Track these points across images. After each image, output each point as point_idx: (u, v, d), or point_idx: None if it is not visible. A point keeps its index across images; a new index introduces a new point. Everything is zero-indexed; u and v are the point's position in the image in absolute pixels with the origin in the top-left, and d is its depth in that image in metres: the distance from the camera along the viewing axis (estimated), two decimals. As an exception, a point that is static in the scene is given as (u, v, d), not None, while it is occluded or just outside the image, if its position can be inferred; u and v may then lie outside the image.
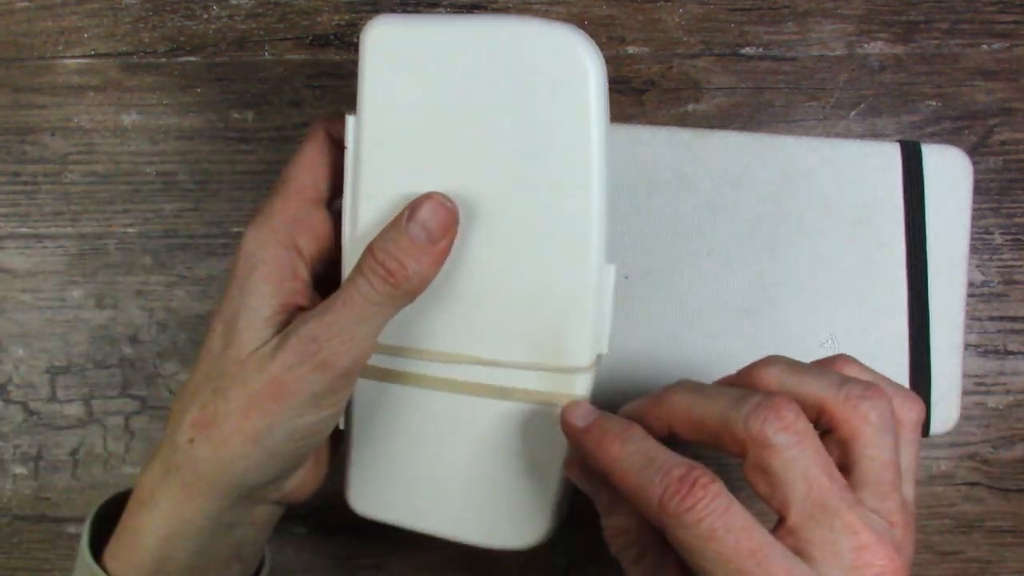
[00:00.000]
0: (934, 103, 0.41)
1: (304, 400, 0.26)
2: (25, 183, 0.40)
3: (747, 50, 0.41)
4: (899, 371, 0.37)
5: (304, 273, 0.28)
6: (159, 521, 0.27)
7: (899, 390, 0.25)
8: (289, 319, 0.27)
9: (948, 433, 0.38)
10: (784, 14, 0.41)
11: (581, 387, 0.28)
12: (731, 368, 0.37)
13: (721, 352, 0.37)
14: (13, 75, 0.41)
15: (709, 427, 0.24)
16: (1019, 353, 0.40)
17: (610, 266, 0.27)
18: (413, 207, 0.26)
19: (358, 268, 0.26)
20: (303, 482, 0.30)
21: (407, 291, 0.26)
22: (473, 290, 0.27)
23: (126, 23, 0.41)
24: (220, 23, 0.41)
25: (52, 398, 0.40)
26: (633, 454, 0.24)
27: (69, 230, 0.40)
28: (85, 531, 0.29)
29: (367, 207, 0.28)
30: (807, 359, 0.38)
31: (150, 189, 0.40)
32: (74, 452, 0.40)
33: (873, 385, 0.24)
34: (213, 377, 0.27)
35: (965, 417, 0.39)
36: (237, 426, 0.26)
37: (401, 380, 0.29)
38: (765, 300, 0.37)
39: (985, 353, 0.40)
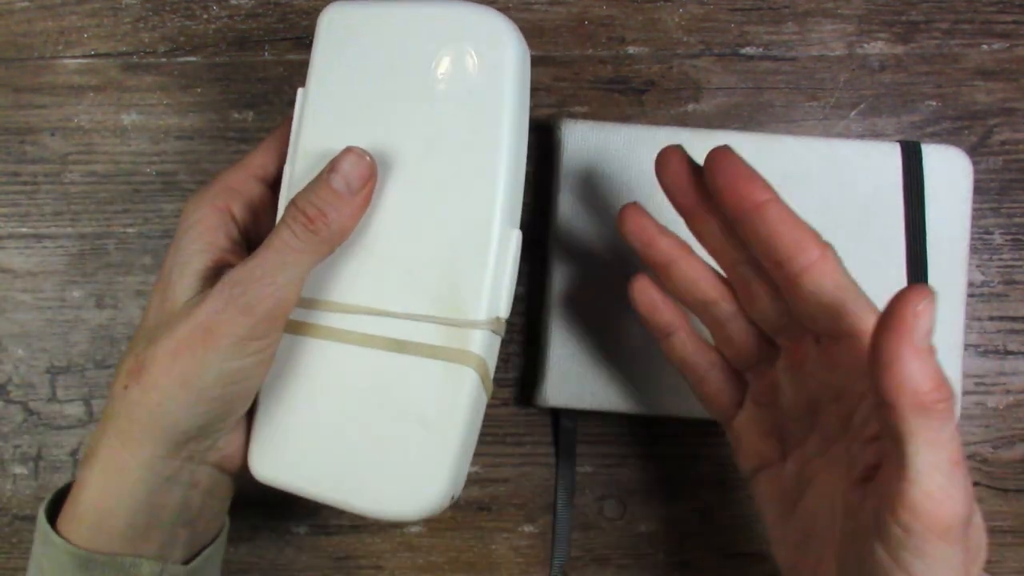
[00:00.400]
0: (934, 103, 0.41)
1: (230, 344, 0.27)
2: (25, 183, 0.40)
3: (747, 50, 0.41)
4: (899, 371, 0.37)
5: (235, 234, 0.31)
6: (98, 473, 0.28)
7: None
8: (219, 273, 0.29)
9: (948, 433, 0.38)
10: (784, 14, 0.41)
11: (477, 345, 0.28)
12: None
13: (721, 352, 0.37)
14: (13, 75, 0.41)
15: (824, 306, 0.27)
16: (1019, 353, 0.40)
17: (514, 231, 0.29)
18: (335, 161, 0.28)
19: (282, 219, 0.28)
20: (239, 446, 0.31)
21: (327, 238, 0.28)
22: (383, 244, 0.29)
23: (126, 23, 0.41)
24: (220, 23, 0.41)
25: (52, 398, 0.40)
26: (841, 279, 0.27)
27: (69, 230, 0.40)
28: (47, 499, 0.29)
29: (302, 165, 0.30)
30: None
31: (150, 189, 0.40)
32: (74, 452, 0.40)
33: None
34: (150, 329, 0.29)
35: (965, 417, 0.39)
36: (166, 368, 0.27)
37: (308, 332, 0.30)
38: (765, 300, 0.37)
39: (985, 353, 0.40)
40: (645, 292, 0.32)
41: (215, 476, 0.31)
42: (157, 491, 0.28)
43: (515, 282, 0.29)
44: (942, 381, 0.22)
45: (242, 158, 0.32)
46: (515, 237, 0.29)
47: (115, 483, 0.28)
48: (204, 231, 0.30)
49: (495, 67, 0.28)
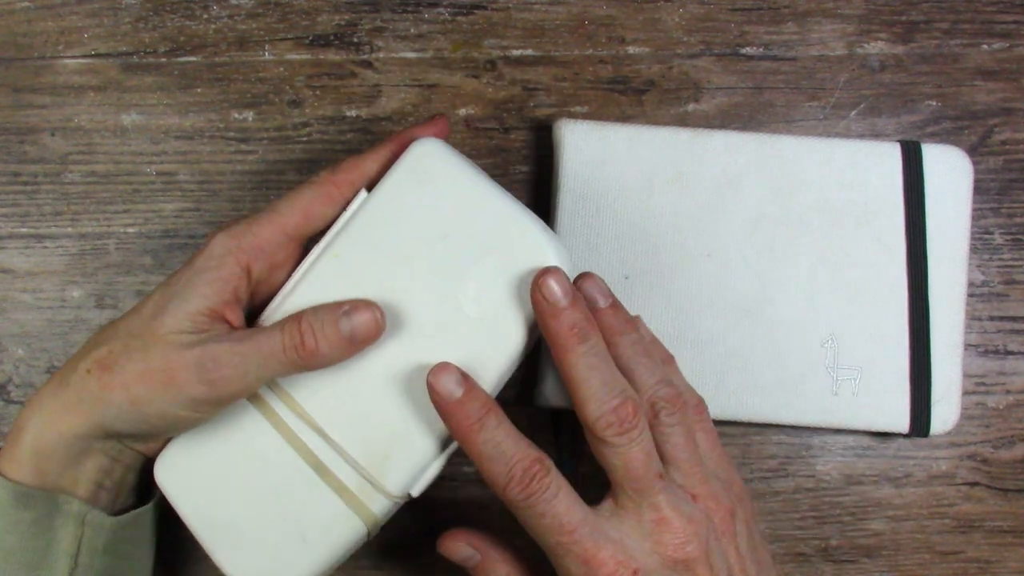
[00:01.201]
0: (934, 103, 0.41)
1: (184, 398, 0.29)
2: (25, 183, 0.40)
3: (747, 50, 0.41)
4: (899, 371, 0.37)
5: (243, 292, 0.32)
6: (40, 423, 0.30)
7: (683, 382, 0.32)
8: (211, 322, 0.31)
9: (948, 433, 0.38)
10: (784, 14, 0.41)
11: (378, 508, 0.31)
12: (732, 368, 0.37)
13: (721, 352, 0.37)
14: (13, 75, 0.41)
15: (576, 397, 0.28)
16: (1019, 353, 0.40)
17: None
18: (354, 306, 0.30)
19: (282, 324, 0.30)
20: (161, 443, 0.33)
21: (308, 365, 0.30)
22: (357, 377, 0.31)
23: (126, 23, 0.41)
24: (220, 23, 0.41)
25: (52, 398, 0.40)
26: (486, 443, 0.28)
27: (69, 230, 0.40)
28: None
29: (326, 264, 0.32)
30: (807, 359, 0.38)
31: (150, 189, 0.40)
32: (74, 452, 0.40)
33: (669, 386, 0.30)
34: (132, 334, 0.30)
35: (965, 417, 0.39)
36: (125, 383, 0.29)
37: (259, 405, 0.32)
38: (765, 300, 0.37)
39: (985, 353, 0.40)
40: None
41: (137, 457, 0.33)
42: (85, 454, 0.31)
43: (439, 473, 0.31)
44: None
45: (278, 207, 0.32)
46: (454, 444, 0.30)
47: (52, 438, 0.30)
48: (215, 280, 0.31)
49: (528, 304, 0.29)
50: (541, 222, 0.30)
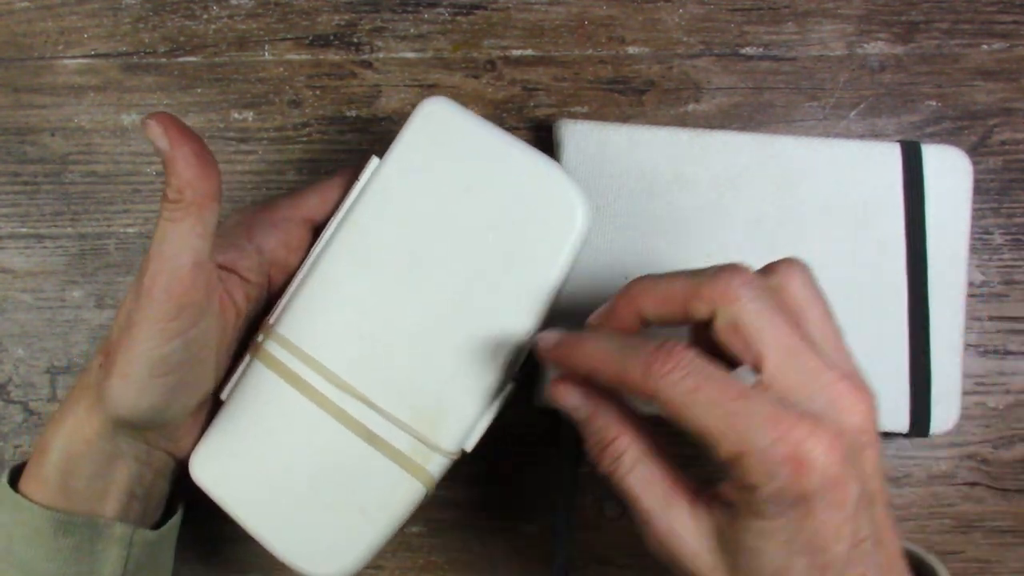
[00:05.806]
0: (934, 103, 0.41)
1: (149, 332, 0.27)
2: (25, 183, 0.40)
3: (747, 50, 0.41)
4: (899, 371, 0.37)
5: (251, 270, 0.31)
6: (64, 438, 0.29)
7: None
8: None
9: (948, 433, 0.38)
10: (784, 14, 0.41)
11: (435, 467, 0.30)
12: (731, 368, 0.37)
13: (721, 352, 0.37)
14: (13, 75, 0.41)
15: (676, 299, 0.25)
16: (1019, 353, 0.40)
17: (511, 383, 0.30)
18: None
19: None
20: (190, 442, 0.32)
21: (183, 198, 0.26)
22: (397, 340, 0.30)
23: (126, 23, 0.41)
24: (220, 23, 0.41)
25: (52, 398, 0.40)
26: (608, 345, 0.25)
27: (69, 230, 0.40)
28: (5, 472, 0.31)
29: (348, 232, 0.31)
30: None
31: (150, 189, 0.40)
32: (74, 452, 0.40)
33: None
34: (128, 311, 0.28)
35: (965, 417, 0.39)
36: (116, 362, 0.27)
37: (295, 383, 0.31)
38: (765, 300, 0.37)
39: (985, 353, 0.40)
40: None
41: (166, 459, 0.32)
42: (114, 460, 0.30)
43: (490, 424, 0.30)
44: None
45: (298, 190, 0.33)
46: (509, 389, 0.30)
47: (79, 450, 0.29)
48: (219, 245, 0.30)
49: (556, 243, 0.30)
50: (560, 167, 0.30)
